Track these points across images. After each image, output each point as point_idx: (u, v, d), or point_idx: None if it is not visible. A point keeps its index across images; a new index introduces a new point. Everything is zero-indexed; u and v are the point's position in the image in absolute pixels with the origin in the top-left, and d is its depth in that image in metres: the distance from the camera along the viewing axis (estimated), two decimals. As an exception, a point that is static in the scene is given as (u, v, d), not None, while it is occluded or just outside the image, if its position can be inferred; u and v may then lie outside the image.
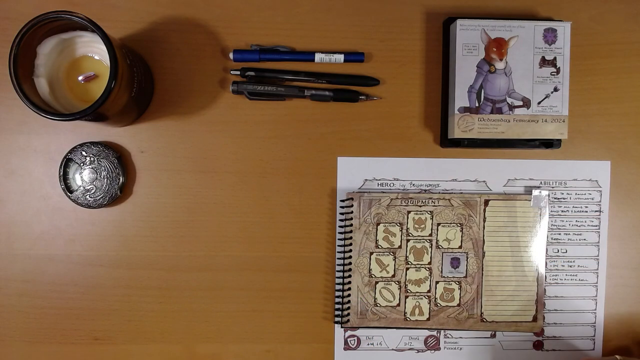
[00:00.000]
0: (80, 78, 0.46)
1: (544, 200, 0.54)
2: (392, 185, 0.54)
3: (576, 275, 0.55)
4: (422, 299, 0.54)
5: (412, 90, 0.54)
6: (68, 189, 0.52)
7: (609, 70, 0.54)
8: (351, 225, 0.53)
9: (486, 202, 0.54)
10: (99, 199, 0.51)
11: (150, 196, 0.53)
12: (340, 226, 0.54)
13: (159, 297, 0.53)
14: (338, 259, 0.54)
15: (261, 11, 0.53)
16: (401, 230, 0.54)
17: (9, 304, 0.53)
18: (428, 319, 0.54)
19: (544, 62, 0.50)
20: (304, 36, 0.53)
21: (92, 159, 0.51)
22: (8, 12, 0.51)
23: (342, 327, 0.54)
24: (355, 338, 0.54)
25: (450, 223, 0.54)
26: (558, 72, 0.51)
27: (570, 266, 0.55)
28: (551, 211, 0.54)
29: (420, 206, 0.53)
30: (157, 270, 0.53)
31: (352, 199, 0.53)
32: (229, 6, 0.53)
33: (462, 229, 0.54)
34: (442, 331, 0.55)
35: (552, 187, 0.54)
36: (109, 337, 0.53)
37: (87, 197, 0.51)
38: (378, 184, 0.54)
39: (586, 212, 0.55)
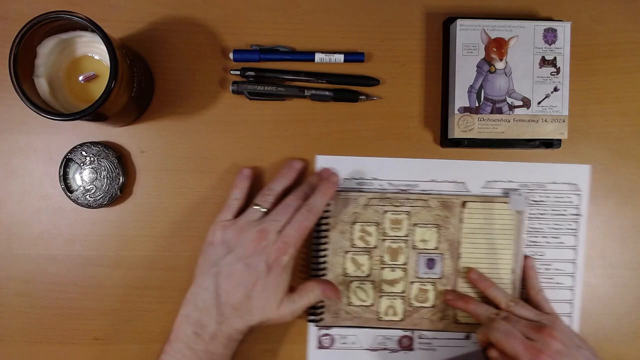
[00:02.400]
0: (80, 78, 0.46)
1: (523, 202, 0.53)
2: (370, 184, 0.53)
3: (552, 279, 0.55)
4: (396, 299, 0.53)
5: (412, 90, 0.54)
6: (68, 189, 0.52)
7: (609, 70, 0.54)
8: (327, 224, 0.53)
9: (464, 204, 0.53)
10: (99, 199, 0.51)
11: (150, 196, 0.53)
12: (316, 224, 0.53)
13: (159, 297, 0.53)
14: (313, 257, 0.53)
15: (261, 11, 0.53)
16: (377, 230, 0.53)
17: (9, 304, 0.53)
18: (402, 320, 0.53)
19: (544, 62, 0.50)
20: (304, 36, 0.53)
21: (92, 159, 0.51)
22: (8, 12, 0.51)
23: (316, 325, 0.53)
24: (329, 337, 0.54)
25: (427, 224, 0.53)
26: (558, 72, 0.51)
27: (547, 269, 0.55)
28: (529, 214, 0.54)
29: (397, 206, 0.53)
30: (157, 270, 0.53)
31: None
32: (229, 6, 0.53)
33: (438, 229, 0.53)
34: (416, 331, 0.54)
35: (531, 190, 0.54)
36: (109, 337, 0.53)
37: (87, 197, 0.51)
38: (357, 183, 0.53)
39: (564, 215, 0.54)
